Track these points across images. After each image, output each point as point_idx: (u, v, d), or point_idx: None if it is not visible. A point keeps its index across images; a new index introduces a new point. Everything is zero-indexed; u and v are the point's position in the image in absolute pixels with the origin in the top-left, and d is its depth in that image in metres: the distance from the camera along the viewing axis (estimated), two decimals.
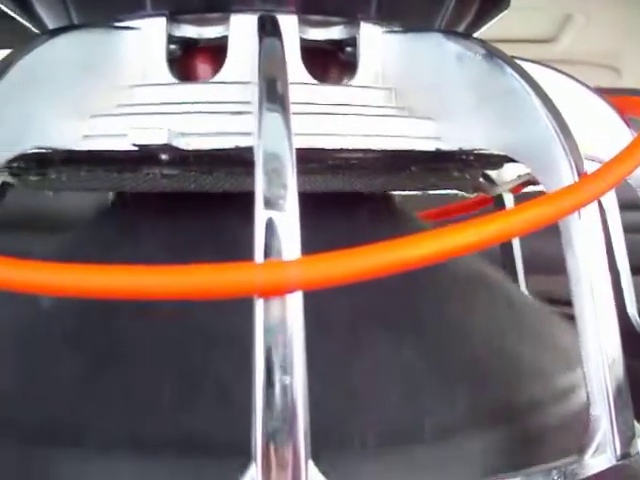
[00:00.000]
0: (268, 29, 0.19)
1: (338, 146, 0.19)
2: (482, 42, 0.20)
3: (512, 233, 0.16)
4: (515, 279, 0.40)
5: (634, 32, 1.20)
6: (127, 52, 0.21)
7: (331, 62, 0.23)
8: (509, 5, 0.26)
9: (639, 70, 1.35)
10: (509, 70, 0.19)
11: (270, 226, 0.15)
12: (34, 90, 0.18)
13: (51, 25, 0.24)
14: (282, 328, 0.14)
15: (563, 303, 0.39)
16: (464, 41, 0.20)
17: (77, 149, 0.19)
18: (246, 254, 0.21)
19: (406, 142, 0.20)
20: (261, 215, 0.15)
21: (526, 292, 0.40)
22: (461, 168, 0.23)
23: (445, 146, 0.20)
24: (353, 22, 0.22)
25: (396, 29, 0.22)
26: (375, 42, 0.22)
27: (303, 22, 0.22)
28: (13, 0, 0.24)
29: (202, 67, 0.23)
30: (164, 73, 0.21)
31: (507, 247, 0.39)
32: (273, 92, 0.16)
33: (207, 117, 0.19)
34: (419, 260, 0.14)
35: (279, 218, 0.15)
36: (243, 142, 0.19)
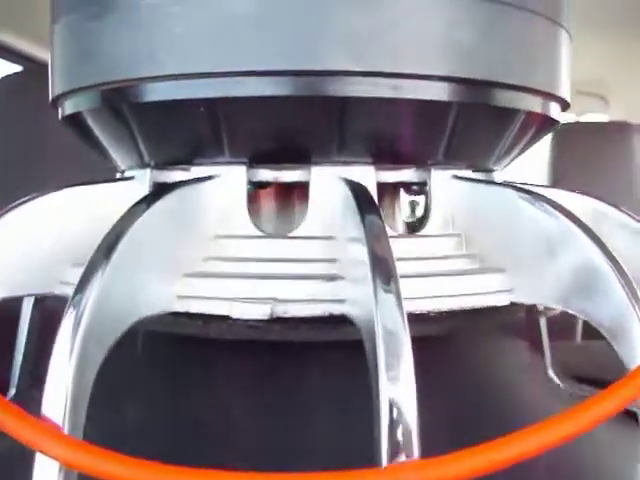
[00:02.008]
0: (365, 203, 0.19)
1: (419, 310, 0.20)
2: (557, 204, 0.21)
3: (606, 416, 0.17)
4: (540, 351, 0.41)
5: (621, 63, 1.23)
6: (210, 202, 0.22)
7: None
8: (559, 125, 0.27)
9: (625, 99, 1.39)
10: (584, 238, 0.20)
11: (391, 412, 0.15)
12: (137, 259, 0.19)
13: (122, 164, 0.25)
14: None
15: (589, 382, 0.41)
16: (537, 202, 0.21)
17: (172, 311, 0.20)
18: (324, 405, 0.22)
19: (481, 299, 0.21)
20: (384, 409, 0.16)
21: (550, 369, 0.41)
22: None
23: (518, 299, 0.22)
24: (424, 167, 0.23)
25: (465, 176, 0.23)
26: (445, 187, 0.23)
27: (377, 168, 0.23)
28: (92, 145, 0.25)
29: (274, 201, 0.24)
30: (246, 222, 0.22)
31: (533, 320, 0.40)
32: (386, 273, 0.17)
33: (300, 283, 0.20)
34: (529, 454, 0.16)
35: (400, 406, 0.16)
36: (335, 309, 0.20)
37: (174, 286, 0.20)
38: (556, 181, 1.15)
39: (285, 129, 0.22)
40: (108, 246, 0.19)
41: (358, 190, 0.20)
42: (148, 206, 0.19)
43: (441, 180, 0.23)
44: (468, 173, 0.24)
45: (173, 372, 0.24)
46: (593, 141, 1.10)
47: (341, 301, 0.19)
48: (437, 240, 0.22)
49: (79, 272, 0.18)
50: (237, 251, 0.21)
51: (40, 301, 0.27)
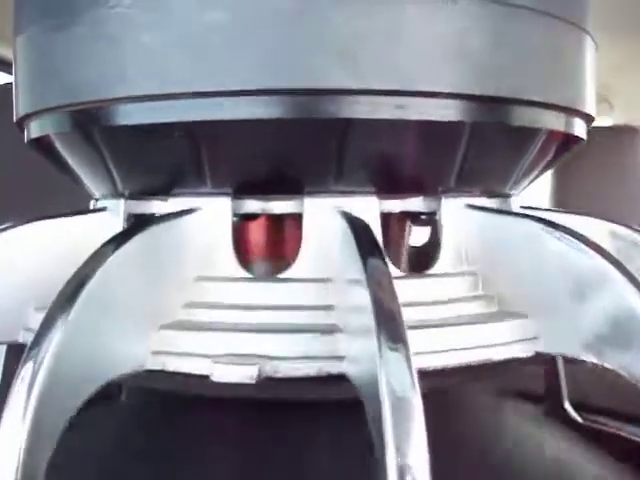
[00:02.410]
0: (366, 242, 0.17)
1: (429, 367, 0.17)
2: (586, 238, 0.18)
3: None
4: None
5: (625, 65, 1.20)
6: (190, 238, 0.19)
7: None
8: (584, 141, 0.25)
9: (629, 102, 1.36)
10: (619, 277, 0.17)
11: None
12: (104, 308, 0.17)
13: (96, 192, 0.22)
14: None
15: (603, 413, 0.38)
16: (563, 235, 0.18)
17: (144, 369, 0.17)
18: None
19: (501, 350, 0.18)
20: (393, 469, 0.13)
21: (566, 401, 0.38)
22: None
23: (542, 349, 0.19)
24: (433, 195, 0.20)
25: (480, 205, 0.21)
26: (457, 218, 0.20)
27: (380, 197, 0.20)
28: (63, 170, 0.22)
29: (263, 237, 0.21)
30: (231, 262, 0.19)
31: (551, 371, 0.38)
32: (393, 328, 0.15)
33: (292, 338, 0.17)
34: None
35: (410, 468, 0.13)
36: (333, 368, 0.17)
37: (148, 340, 0.18)
38: (560, 189, 1.13)
39: (274, 155, 0.19)
40: (71, 293, 0.16)
41: (357, 226, 0.18)
42: (118, 246, 0.17)
43: (453, 209, 0.20)
44: (482, 201, 0.21)
45: (152, 426, 0.21)
46: (599, 146, 1.07)
47: (339, 358, 0.17)
48: (449, 280, 0.20)
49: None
50: (221, 296, 0.19)
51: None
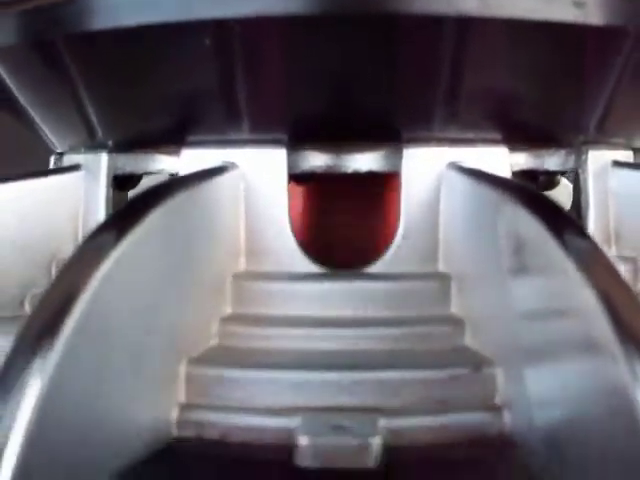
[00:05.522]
0: (553, 213, 0.10)
1: None
2: None
3: None
4: None
5: None
6: (225, 214, 0.12)
7: None
8: None
9: None
10: None
11: None
12: (104, 344, 0.09)
13: (60, 143, 0.15)
14: None
15: None
16: None
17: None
18: None
19: None
20: None
21: None
22: None
23: None
24: (573, 146, 0.14)
25: (629, 162, 0.14)
26: (602, 178, 0.14)
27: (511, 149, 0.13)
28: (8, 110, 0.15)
29: (335, 207, 0.14)
30: (290, 250, 0.12)
31: None
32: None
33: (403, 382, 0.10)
34: None
35: None
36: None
37: (172, 391, 0.10)
38: None
39: (350, 77, 0.12)
40: (51, 317, 0.09)
41: (520, 190, 0.11)
42: (120, 234, 0.10)
43: (598, 167, 0.14)
44: (628, 156, 0.15)
45: None
46: None
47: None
48: None
49: None
50: (278, 305, 0.12)
51: None
